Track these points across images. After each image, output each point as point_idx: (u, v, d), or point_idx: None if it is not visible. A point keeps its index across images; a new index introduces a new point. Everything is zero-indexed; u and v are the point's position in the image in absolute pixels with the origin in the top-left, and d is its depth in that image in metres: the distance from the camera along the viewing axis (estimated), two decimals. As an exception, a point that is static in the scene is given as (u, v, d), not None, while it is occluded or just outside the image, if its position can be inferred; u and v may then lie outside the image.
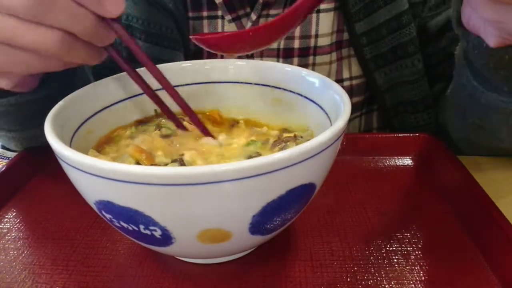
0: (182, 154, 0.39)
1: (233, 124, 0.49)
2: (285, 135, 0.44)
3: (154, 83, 0.44)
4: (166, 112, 0.45)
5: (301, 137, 0.43)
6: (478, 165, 0.57)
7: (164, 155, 0.40)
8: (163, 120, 0.47)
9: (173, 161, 0.39)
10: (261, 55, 0.65)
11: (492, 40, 0.30)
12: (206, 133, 0.44)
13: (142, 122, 0.48)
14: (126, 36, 0.40)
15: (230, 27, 0.63)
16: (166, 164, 0.39)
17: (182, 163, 0.38)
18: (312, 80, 0.44)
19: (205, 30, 0.65)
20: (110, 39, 0.40)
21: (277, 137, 0.43)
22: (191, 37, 0.37)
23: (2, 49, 0.36)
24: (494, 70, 0.44)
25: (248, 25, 0.62)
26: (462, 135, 0.59)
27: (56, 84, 0.49)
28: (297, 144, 0.40)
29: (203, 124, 0.44)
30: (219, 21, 0.64)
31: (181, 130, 0.45)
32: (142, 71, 0.44)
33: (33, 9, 0.33)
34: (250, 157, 0.39)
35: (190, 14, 0.64)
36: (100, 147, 0.44)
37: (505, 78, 0.44)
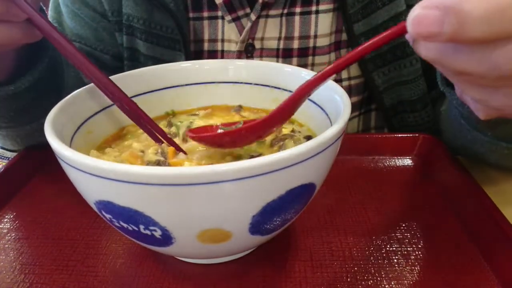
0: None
1: (237, 109, 0.49)
2: (284, 131, 0.44)
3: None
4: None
5: (299, 131, 0.44)
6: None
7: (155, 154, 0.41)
8: (174, 119, 0.48)
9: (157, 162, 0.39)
10: (261, 55, 0.65)
11: (480, 114, 0.31)
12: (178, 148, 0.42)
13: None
14: (29, 10, 0.38)
15: (230, 27, 0.64)
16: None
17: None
18: (312, 80, 0.44)
19: (206, 31, 0.65)
20: (18, 14, 0.38)
21: (275, 135, 0.43)
22: (187, 133, 0.37)
23: None
24: (477, 120, 0.45)
25: (248, 25, 0.62)
26: (456, 149, 0.59)
27: (35, 77, 0.48)
28: (294, 142, 0.40)
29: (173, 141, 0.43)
30: (219, 21, 0.64)
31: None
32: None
33: None
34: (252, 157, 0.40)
35: (191, 15, 0.64)
36: (106, 145, 0.44)
37: (488, 127, 0.46)
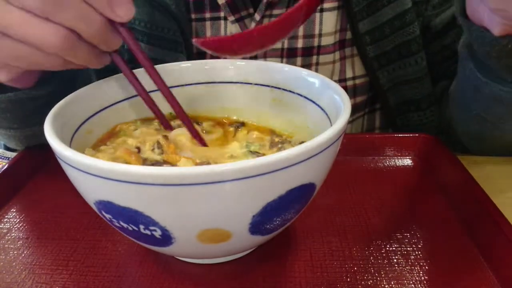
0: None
1: (238, 126, 0.49)
2: (276, 139, 0.44)
3: (150, 85, 0.44)
4: (159, 117, 0.45)
5: (290, 141, 0.44)
6: (478, 165, 0.57)
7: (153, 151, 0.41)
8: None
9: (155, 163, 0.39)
10: (265, 55, 0.65)
11: (497, 28, 0.31)
12: (200, 140, 0.43)
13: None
14: (132, 41, 0.40)
15: (233, 28, 0.63)
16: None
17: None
18: (312, 80, 0.44)
19: (208, 32, 0.65)
20: (115, 44, 0.40)
21: (269, 141, 0.43)
22: (193, 40, 0.37)
23: (6, 42, 0.37)
24: (497, 59, 0.44)
25: (252, 25, 0.62)
26: (466, 128, 0.59)
27: (57, 83, 0.49)
28: (292, 145, 0.40)
29: (196, 131, 0.44)
30: (222, 22, 0.64)
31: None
32: (140, 72, 0.44)
33: (44, 5, 0.34)
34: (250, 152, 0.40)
35: (193, 16, 0.64)
36: (101, 143, 0.44)
37: (508, 67, 0.45)
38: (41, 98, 0.49)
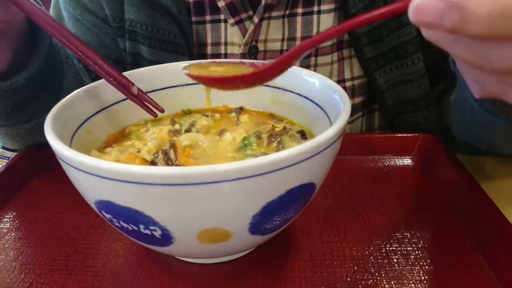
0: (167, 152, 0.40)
1: (238, 111, 0.50)
2: (276, 129, 0.44)
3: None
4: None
5: (290, 129, 0.45)
6: (478, 165, 0.57)
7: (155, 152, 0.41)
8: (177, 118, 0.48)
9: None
10: (264, 58, 0.65)
11: (475, 92, 0.32)
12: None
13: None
14: None
15: (233, 30, 0.64)
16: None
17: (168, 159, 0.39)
18: (312, 80, 0.44)
19: (209, 34, 0.65)
20: None
21: (269, 132, 0.43)
22: (184, 72, 0.37)
23: None
24: (491, 102, 0.45)
25: (251, 28, 0.62)
26: (464, 137, 0.59)
27: (32, 73, 0.49)
28: (289, 136, 0.41)
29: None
30: (222, 24, 0.64)
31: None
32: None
33: None
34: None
35: (194, 19, 0.64)
36: (107, 145, 0.44)
37: (502, 110, 0.45)
38: (20, 91, 0.49)
